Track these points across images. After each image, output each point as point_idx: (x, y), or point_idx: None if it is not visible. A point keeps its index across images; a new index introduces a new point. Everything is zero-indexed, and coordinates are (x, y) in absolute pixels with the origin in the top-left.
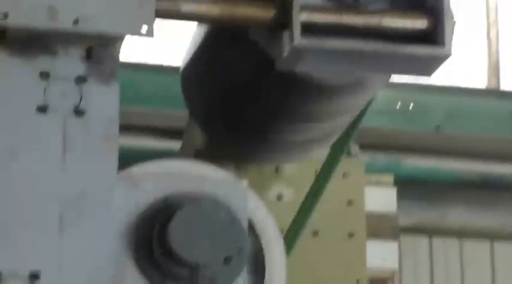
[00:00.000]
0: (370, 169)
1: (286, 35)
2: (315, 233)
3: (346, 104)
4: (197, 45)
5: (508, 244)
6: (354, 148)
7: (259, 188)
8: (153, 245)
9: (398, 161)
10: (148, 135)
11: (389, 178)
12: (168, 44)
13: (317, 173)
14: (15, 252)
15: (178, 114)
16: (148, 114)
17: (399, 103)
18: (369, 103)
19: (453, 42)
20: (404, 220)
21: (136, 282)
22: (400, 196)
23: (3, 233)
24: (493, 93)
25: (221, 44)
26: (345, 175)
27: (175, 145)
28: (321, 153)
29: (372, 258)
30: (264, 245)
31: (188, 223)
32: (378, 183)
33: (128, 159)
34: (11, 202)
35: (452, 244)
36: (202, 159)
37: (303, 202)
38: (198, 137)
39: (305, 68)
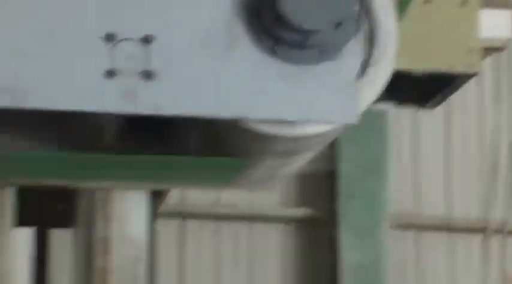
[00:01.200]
0: None
1: None
2: (427, 0)
3: None
4: None
5: None
6: None
7: None
8: (263, 11)
9: None
10: None
11: None
12: None
13: None
14: (129, 16)
15: None
16: None
17: None
18: None
19: None
20: None
21: (247, 47)
22: None
23: None
24: None
25: None
26: None
27: None
28: None
29: (485, 27)
30: (375, 11)
31: None
32: None
33: None
34: None
35: None
36: None
37: None
38: None
39: None
